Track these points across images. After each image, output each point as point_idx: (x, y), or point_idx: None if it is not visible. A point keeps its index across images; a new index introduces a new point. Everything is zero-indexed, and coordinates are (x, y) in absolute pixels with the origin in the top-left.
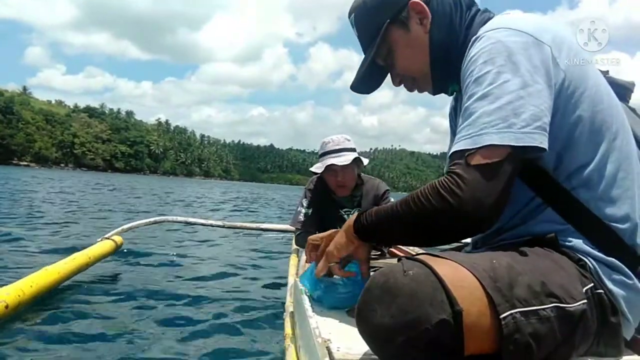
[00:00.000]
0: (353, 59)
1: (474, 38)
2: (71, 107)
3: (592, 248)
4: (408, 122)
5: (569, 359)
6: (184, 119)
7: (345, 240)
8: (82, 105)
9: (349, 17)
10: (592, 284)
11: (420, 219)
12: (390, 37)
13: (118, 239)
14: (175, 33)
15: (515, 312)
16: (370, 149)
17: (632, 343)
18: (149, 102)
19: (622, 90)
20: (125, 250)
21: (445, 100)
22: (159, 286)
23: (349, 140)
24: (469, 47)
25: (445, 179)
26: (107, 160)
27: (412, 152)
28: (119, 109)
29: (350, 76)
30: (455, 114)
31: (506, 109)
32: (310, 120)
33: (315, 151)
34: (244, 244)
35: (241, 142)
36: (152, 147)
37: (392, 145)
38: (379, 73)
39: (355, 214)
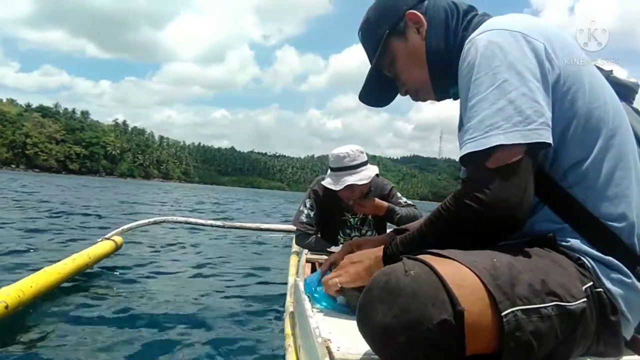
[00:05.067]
0: (319, 63)
1: (467, 42)
2: (23, 106)
3: (590, 247)
4: (371, 126)
5: (568, 358)
6: (143, 120)
7: (368, 274)
8: (35, 104)
9: (358, 35)
10: (591, 283)
11: (450, 232)
12: (391, 48)
13: (118, 239)
14: (137, 31)
15: (517, 310)
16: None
17: (632, 343)
18: (107, 102)
19: (626, 91)
20: (125, 251)
21: (409, 106)
22: (159, 286)
23: (362, 152)
24: (463, 51)
25: (467, 188)
26: (61, 162)
27: (374, 157)
28: (74, 109)
29: (315, 80)
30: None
31: (509, 109)
32: (274, 124)
33: (277, 154)
34: (244, 244)
35: (201, 145)
36: (108, 149)
37: None
38: (391, 86)
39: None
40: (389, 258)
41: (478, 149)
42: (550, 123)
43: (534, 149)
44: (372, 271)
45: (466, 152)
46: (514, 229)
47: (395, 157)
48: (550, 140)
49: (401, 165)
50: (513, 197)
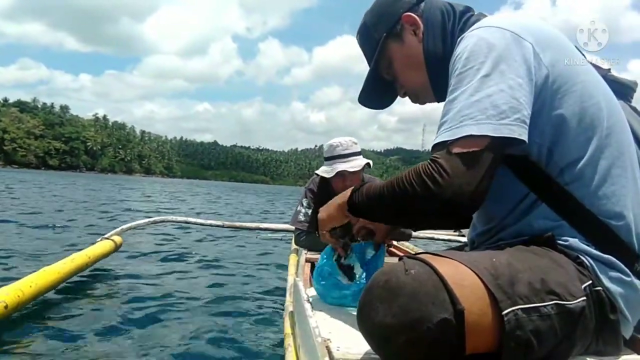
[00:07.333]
0: (302, 55)
1: (459, 38)
2: (1, 100)
3: (588, 245)
4: (355, 119)
5: (568, 357)
6: (124, 114)
7: (338, 213)
8: (12, 99)
9: (356, 38)
10: (590, 282)
11: (401, 201)
12: (388, 51)
13: (117, 239)
14: (118, 23)
15: (517, 309)
16: (316, 145)
17: (632, 342)
18: (87, 97)
19: (624, 89)
20: (124, 251)
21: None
22: (158, 286)
23: (355, 143)
24: (455, 47)
25: (428, 165)
26: (40, 157)
27: None
28: (52, 104)
29: (298, 72)
30: None
31: (485, 102)
32: (257, 117)
33: (261, 148)
34: (244, 244)
35: (184, 139)
36: (89, 144)
37: None
38: (390, 88)
39: (351, 188)
40: (351, 202)
41: (450, 138)
42: (527, 121)
43: (501, 144)
44: (343, 211)
45: (439, 140)
46: (456, 219)
47: (378, 150)
48: (524, 137)
49: (385, 158)
50: (466, 185)
